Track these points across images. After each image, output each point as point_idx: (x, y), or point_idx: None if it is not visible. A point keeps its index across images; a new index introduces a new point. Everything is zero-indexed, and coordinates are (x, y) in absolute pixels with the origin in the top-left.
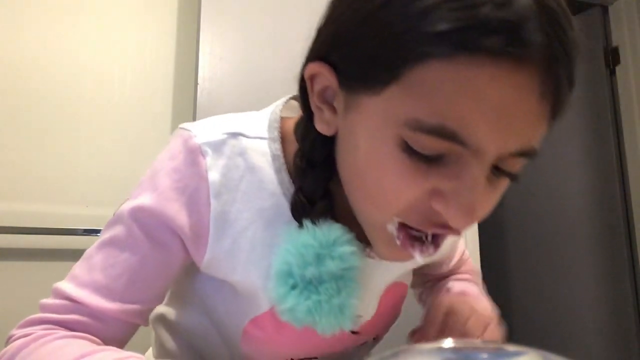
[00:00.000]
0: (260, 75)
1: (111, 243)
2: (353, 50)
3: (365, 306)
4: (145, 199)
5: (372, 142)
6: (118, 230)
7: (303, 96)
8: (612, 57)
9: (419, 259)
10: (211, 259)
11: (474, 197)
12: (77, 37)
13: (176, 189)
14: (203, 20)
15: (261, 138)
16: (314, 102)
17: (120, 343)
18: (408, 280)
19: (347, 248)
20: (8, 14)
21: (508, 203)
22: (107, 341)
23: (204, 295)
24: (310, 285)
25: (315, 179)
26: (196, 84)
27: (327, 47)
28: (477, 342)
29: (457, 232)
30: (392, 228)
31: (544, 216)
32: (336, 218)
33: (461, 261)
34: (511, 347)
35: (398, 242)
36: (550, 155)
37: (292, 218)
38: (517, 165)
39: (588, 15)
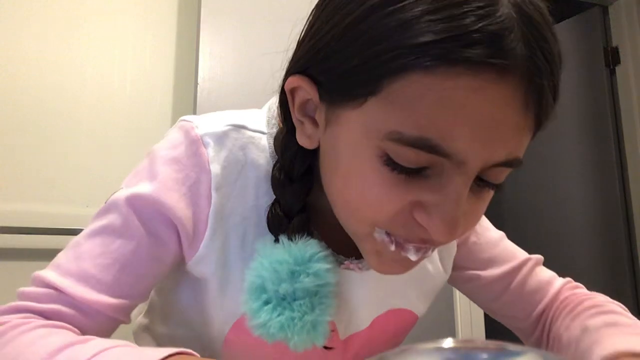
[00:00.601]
0: (260, 75)
1: (103, 231)
2: (332, 64)
3: (351, 319)
4: (143, 188)
5: (353, 155)
6: (112, 219)
7: (284, 109)
8: (612, 57)
9: (413, 258)
10: (203, 255)
11: (456, 210)
12: (77, 38)
13: (176, 179)
14: (203, 20)
15: (261, 132)
16: (295, 115)
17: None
18: (418, 309)
19: (323, 265)
20: (8, 14)
21: (507, 203)
22: (83, 332)
23: (181, 308)
24: (283, 301)
25: (293, 193)
26: (196, 84)
27: (306, 60)
28: (477, 342)
29: (439, 244)
30: (380, 236)
31: (543, 216)
32: (317, 230)
33: (530, 274)
34: (511, 347)
35: (392, 248)
36: (550, 155)
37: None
38: (501, 175)
39: (588, 15)
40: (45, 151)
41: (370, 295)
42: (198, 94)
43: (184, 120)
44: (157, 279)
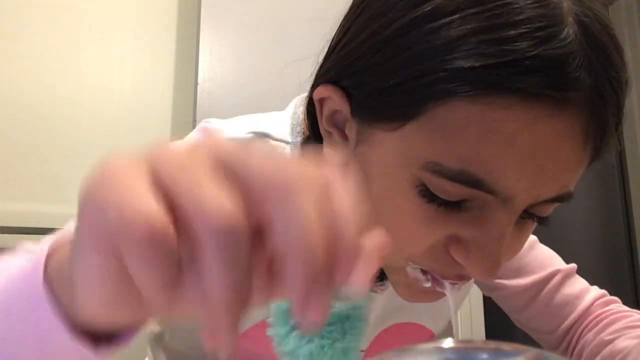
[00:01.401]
0: (260, 75)
1: None
2: (367, 80)
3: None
4: None
5: (386, 180)
6: None
7: (311, 119)
8: None
9: (447, 293)
10: None
11: (499, 248)
12: (77, 38)
13: None
14: (203, 20)
15: (285, 142)
16: (322, 126)
17: None
18: (429, 324)
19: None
20: (7, 13)
21: None
22: None
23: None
24: None
25: None
26: (196, 84)
27: (338, 70)
28: (477, 342)
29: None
30: (414, 272)
31: None
32: None
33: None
34: (511, 347)
35: (427, 284)
36: None
37: None
38: (549, 209)
39: None
40: (45, 151)
41: (376, 311)
42: (198, 94)
43: (206, 122)
44: None
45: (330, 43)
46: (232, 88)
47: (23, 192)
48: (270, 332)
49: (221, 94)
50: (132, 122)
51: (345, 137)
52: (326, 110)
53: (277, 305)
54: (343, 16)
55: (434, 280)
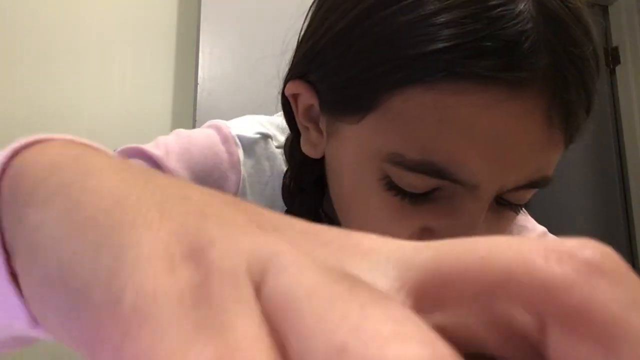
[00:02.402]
0: (260, 75)
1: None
2: (327, 74)
3: None
4: (170, 160)
5: (354, 176)
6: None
7: (288, 114)
8: (612, 57)
9: None
10: None
11: (472, 235)
12: (76, 37)
13: (205, 166)
14: (203, 20)
15: (285, 156)
16: (299, 121)
17: None
18: None
19: None
20: (7, 11)
21: None
22: None
23: None
24: None
25: (303, 203)
26: (196, 84)
27: (303, 65)
28: None
29: None
30: None
31: (543, 216)
32: None
33: None
34: None
35: None
36: None
37: None
38: (525, 196)
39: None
40: None
41: None
42: (198, 94)
43: (213, 121)
44: None
45: (299, 37)
46: (232, 88)
47: None
48: None
49: (221, 94)
50: (131, 122)
51: (321, 132)
52: (301, 105)
53: None
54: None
55: None
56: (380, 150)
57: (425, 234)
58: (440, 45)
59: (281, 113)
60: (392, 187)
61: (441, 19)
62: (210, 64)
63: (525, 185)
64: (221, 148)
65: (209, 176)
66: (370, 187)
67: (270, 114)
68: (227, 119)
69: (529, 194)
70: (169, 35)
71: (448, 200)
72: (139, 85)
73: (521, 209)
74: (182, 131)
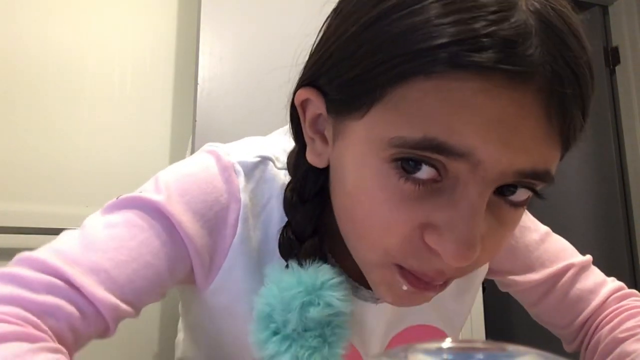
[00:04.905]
0: (260, 75)
1: (123, 224)
2: (336, 75)
3: (368, 342)
4: (172, 203)
5: (359, 170)
6: (135, 214)
7: (295, 125)
8: (612, 57)
9: (429, 295)
10: (220, 286)
11: (472, 227)
12: (76, 37)
13: (204, 202)
14: (203, 20)
15: (287, 169)
16: (306, 131)
17: (77, 348)
18: (448, 326)
19: (335, 293)
20: (7, 13)
21: None
22: (75, 340)
23: (211, 335)
24: (293, 332)
25: (305, 215)
26: (196, 84)
27: (314, 71)
28: (477, 342)
29: (457, 274)
30: (393, 275)
31: (543, 216)
32: (334, 255)
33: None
34: (511, 348)
35: (405, 287)
36: None
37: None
38: (523, 194)
39: (588, 15)
40: (45, 151)
41: (386, 316)
42: (198, 94)
43: (212, 145)
44: (158, 296)
45: (312, 47)
46: (232, 88)
47: (23, 192)
48: (251, 337)
49: (221, 94)
50: (131, 122)
51: (326, 141)
52: (308, 114)
53: (259, 309)
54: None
55: (412, 283)
56: (383, 138)
57: (428, 228)
58: (442, 40)
59: (281, 131)
60: (396, 168)
61: (444, 20)
62: (210, 64)
63: (530, 173)
64: (220, 179)
65: (209, 211)
66: (375, 179)
67: (270, 113)
68: (227, 119)
69: (526, 193)
70: (169, 35)
71: (450, 191)
72: (139, 85)
73: (523, 212)
74: (180, 169)
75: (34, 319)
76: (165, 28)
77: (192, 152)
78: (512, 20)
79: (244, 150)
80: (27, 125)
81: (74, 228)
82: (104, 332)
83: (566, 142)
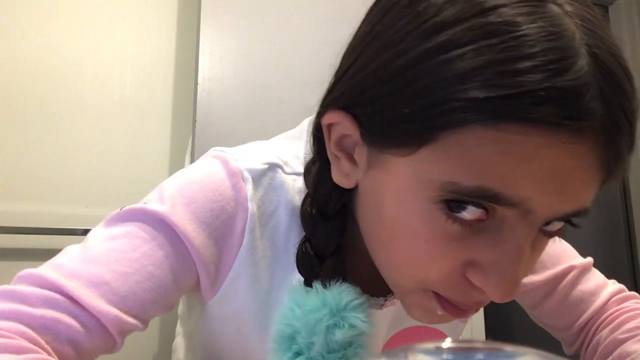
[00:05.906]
0: (260, 75)
1: (125, 236)
2: (379, 109)
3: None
4: (176, 213)
5: (401, 206)
6: (137, 226)
7: (318, 143)
8: None
9: (464, 318)
10: (224, 295)
11: (517, 268)
12: (76, 38)
13: (211, 211)
14: (203, 20)
15: (297, 174)
16: (330, 149)
17: None
18: (448, 327)
19: (359, 315)
20: (9, 18)
21: None
22: (78, 354)
23: (222, 348)
24: (317, 355)
25: (328, 233)
26: (196, 84)
27: (349, 98)
28: (477, 342)
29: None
30: (430, 301)
31: None
32: (350, 272)
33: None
34: (511, 348)
35: (439, 312)
36: None
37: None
38: (559, 225)
39: None
40: (45, 151)
41: (388, 319)
42: (198, 94)
43: (219, 150)
44: (166, 308)
45: (338, 70)
46: (232, 88)
47: (23, 192)
48: (271, 357)
49: (221, 94)
50: (131, 122)
51: (353, 161)
52: (334, 134)
53: (280, 330)
54: (348, 42)
55: (446, 308)
56: (434, 180)
57: (470, 266)
58: (506, 91)
59: (287, 135)
60: (446, 212)
61: (505, 67)
62: (210, 64)
63: (573, 214)
64: (227, 185)
65: (216, 220)
66: (420, 217)
67: (269, 113)
68: (227, 119)
69: (562, 224)
70: (169, 35)
71: (496, 231)
72: (139, 85)
73: (552, 235)
74: (186, 176)
75: (32, 333)
76: (165, 28)
77: (192, 152)
78: (574, 69)
79: (252, 156)
80: (27, 125)
81: (74, 228)
82: (112, 346)
83: (613, 178)
